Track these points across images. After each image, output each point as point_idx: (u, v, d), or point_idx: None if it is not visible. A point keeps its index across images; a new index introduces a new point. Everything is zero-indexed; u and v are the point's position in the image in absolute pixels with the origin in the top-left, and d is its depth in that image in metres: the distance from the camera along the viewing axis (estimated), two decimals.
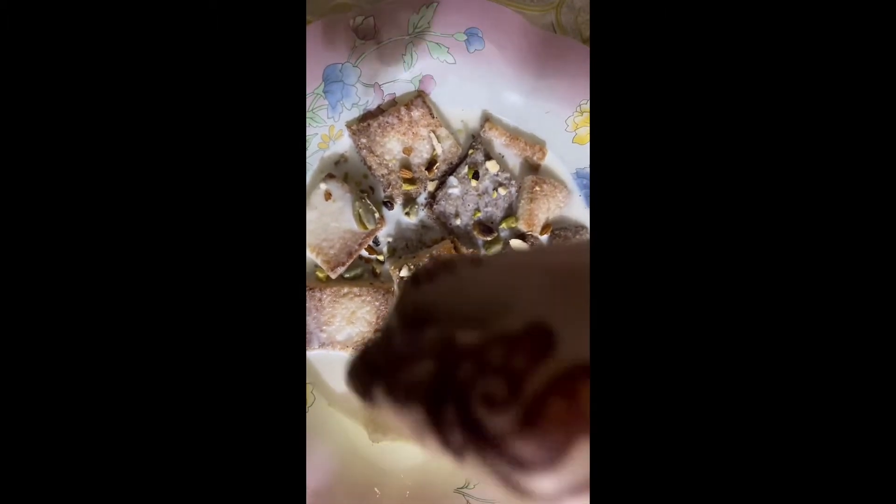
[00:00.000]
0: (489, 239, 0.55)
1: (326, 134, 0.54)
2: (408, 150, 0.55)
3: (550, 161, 0.57)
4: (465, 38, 0.52)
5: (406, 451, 0.53)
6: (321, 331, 0.53)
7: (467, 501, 0.52)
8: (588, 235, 0.56)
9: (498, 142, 0.56)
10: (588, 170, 0.56)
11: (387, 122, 0.53)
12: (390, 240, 0.55)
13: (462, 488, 0.52)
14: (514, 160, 0.56)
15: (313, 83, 0.51)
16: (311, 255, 0.53)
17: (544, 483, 0.16)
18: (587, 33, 0.60)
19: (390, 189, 0.54)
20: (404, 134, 0.54)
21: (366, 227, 0.52)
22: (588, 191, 0.57)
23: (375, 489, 0.51)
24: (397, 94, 0.54)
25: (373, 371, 0.21)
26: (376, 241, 0.55)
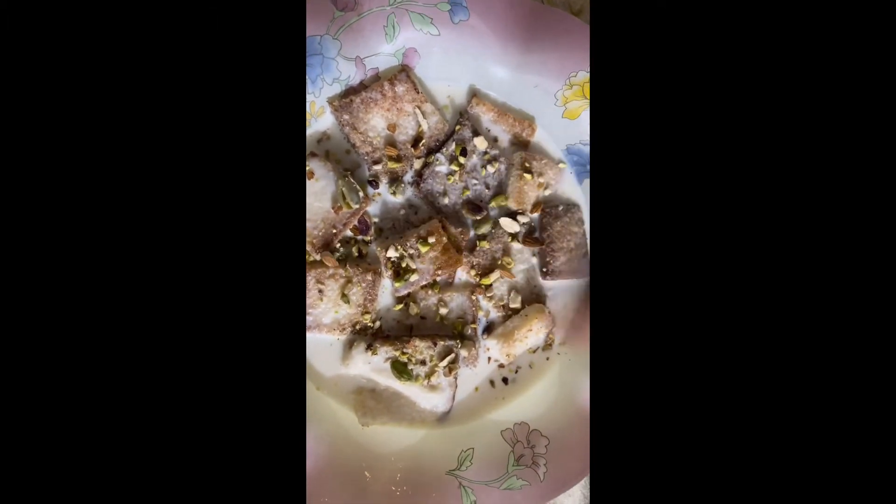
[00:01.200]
0: (478, 218, 0.54)
1: (308, 111, 0.52)
2: (392, 127, 0.53)
3: (540, 137, 0.55)
4: (449, 7, 0.50)
5: (397, 435, 0.52)
6: (307, 314, 0.52)
7: (459, 483, 0.51)
8: (580, 213, 0.55)
9: (486, 118, 0.54)
10: (579, 146, 0.55)
11: (370, 98, 0.52)
12: (376, 220, 0.54)
13: (454, 470, 0.52)
14: (503, 136, 0.55)
15: None
16: None
17: None
18: (577, 5, 0.58)
19: (375, 167, 0.53)
20: (388, 110, 0.52)
21: (350, 207, 0.51)
22: (579, 167, 0.55)
23: (366, 472, 0.51)
24: (380, 69, 0.53)
25: None
26: (363, 222, 0.54)
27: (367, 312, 0.53)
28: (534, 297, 0.55)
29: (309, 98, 0.52)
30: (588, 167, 0.55)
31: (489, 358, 0.54)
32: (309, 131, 0.53)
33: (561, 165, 0.55)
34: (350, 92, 0.52)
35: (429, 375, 0.52)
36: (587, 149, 0.54)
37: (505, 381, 0.55)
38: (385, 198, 0.54)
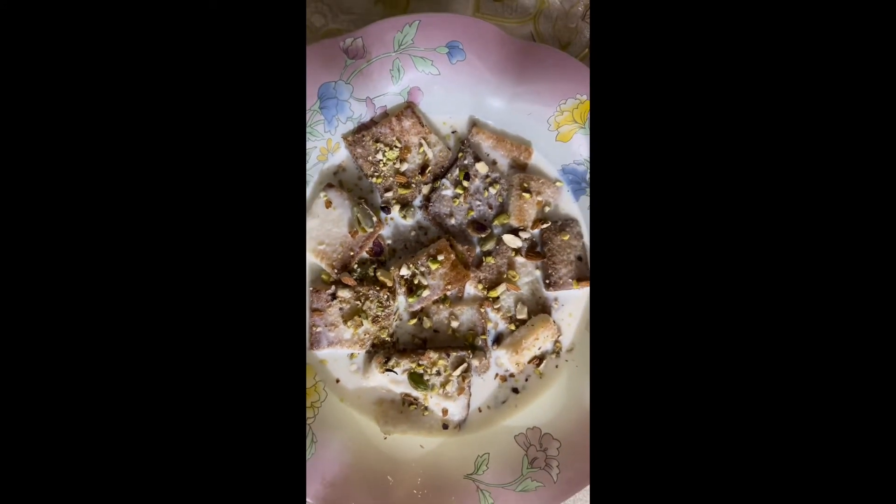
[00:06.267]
0: (483, 236, 0.58)
1: (325, 147, 0.58)
2: (401, 157, 0.58)
3: (537, 159, 0.60)
4: (447, 50, 0.56)
5: (417, 442, 0.56)
6: (329, 330, 0.56)
7: (477, 486, 0.53)
8: (578, 227, 0.59)
9: (486, 144, 0.59)
10: (573, 165, 0.59)
11: (380, 133, 0.57)
12: (389, 242, 0.59)
13: (471, 474, 0.54)
14: (502, 161, 0.60)
15: (309, 101, 0.55)
16: (315, 260, 0.57)
17: None
18: (565, 39, 0.64)
19: (387, 194, 0.58)
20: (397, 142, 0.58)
21: (365, 231, 0.56)
22: (575, 185, 0.60)
23: (389, 477, 0.53)
24: (388, 106, 0.59)
25: None
26: (377, 244, 0.58)
27: (384, 328, 0.57)
28: (539, 308, 0.59)
29: (326, 136, 0.58)
30: (583, 185, 0.59)
31: (496, 374, 0.57)
32: (326, 165, 0.59)
33: (558, 184, 0.60)
34: (362, 128, 0.58)
35: (444, 385, 0.55)
36: (581, 168, 0.59)
37: (515, 390, 0.58)
38: (397, 221, 0.59)
